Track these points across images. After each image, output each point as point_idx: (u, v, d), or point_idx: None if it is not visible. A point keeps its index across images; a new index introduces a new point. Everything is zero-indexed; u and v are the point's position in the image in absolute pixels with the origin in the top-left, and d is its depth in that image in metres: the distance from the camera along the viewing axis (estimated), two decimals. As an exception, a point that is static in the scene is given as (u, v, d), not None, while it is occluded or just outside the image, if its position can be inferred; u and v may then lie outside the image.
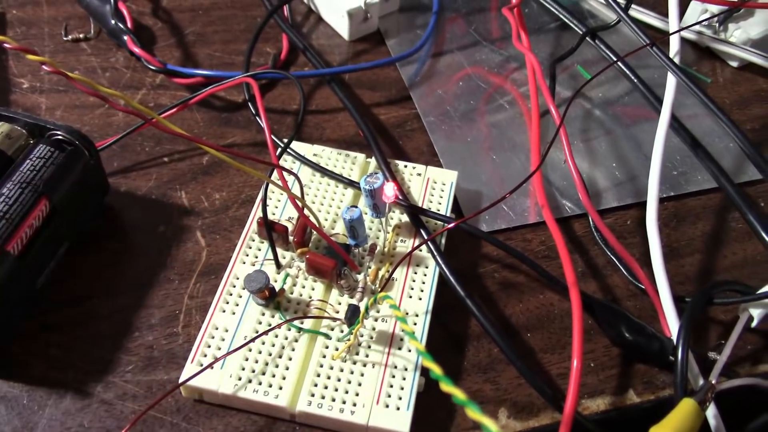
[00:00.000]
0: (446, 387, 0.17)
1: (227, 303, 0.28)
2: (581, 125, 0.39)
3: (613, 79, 0.41)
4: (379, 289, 0.29)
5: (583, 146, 0.38)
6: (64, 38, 0.41)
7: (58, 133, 0.30)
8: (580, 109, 0.40)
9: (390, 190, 0.28)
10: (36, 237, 0.28)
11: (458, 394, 0.17)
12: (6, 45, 0.24)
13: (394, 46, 0.43)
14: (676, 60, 0.36)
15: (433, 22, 0.42)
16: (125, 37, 0.38)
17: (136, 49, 0.38)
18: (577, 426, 0.26)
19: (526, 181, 0.29)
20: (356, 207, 0.28)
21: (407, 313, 0.28)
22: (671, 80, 0.34)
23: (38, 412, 0.26)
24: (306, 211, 0.28)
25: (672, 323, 0.29)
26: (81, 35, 0.41)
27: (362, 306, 0.28)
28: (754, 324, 0.30)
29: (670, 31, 0.36)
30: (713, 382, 0.27)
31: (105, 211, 0.33)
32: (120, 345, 0.28)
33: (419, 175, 0.33)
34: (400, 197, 0.31)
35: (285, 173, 0.29)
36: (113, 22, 0.39)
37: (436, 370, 0.18)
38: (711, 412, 0.27)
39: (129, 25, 0.39)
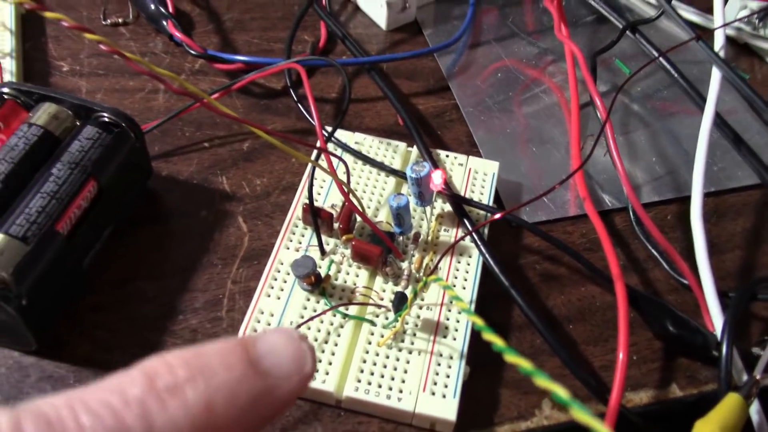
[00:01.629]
0: (511, 358, 0.17)
1: (272, 288, 0.28)
2: (619, 119, 0.39)
3: (652, 73, 0.41)
4: (425, 278, 0.29)
5: (623, 140, 0.38)
6: (103, 22, 0.41)
7: (105, 115, 0.30)
8: (618, 102, 0.39)
9: (438, 178, 0.28)
10: (84, 218, 0.28)
11: (524, 363, 0.17)
12: (63, 23, 0.24)
13: (431, 36, 0.42)
14: (722, 54, 0.35)
15: (471, 13, 0.42)
16: (165, 22, 0.38)
17: (177, 34, 0.38)
18: (621, 418, 0.26)
19: (574, 174, 0.29)
20: (403, 194, 0.28)
21: (452, 302, 0.28)
22: (716, 74, 0.34)
23: (85, 391, 0.26)
24: (351, 197, 0.28)
25: (716, 318, 0.29)
26: (120, 19, 0.41)
27: (409, 292, 0.28)
28: (798, 321, 0.30)
29: (715, 26, 0.36)
30: (758, 377, 0.27)
31: (147, 195, 0.33)
32: (164, 327, 0.28)
33: (461, 165, 0.33)
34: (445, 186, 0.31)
35: (332, 158, 0.29)
36: (153, 6, 0.39)
37: (498, 342, 0.18)
38: (754, 408, 0.27)
39: (170, 9, 0.39)
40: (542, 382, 0.17)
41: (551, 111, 0.39)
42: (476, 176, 0.33)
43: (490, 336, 0.20)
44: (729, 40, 0.44)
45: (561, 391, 0.17)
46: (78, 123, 0.30)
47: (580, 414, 0.15)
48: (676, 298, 0.31)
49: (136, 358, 0.27)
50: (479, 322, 0.21)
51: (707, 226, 0.34)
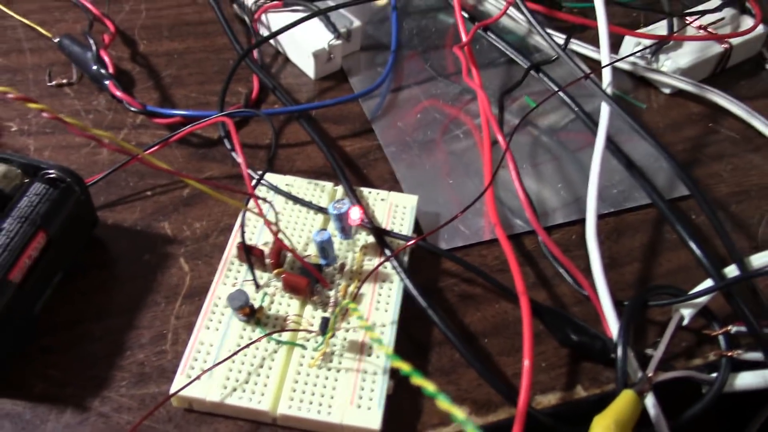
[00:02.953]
0: (417, 380, 0.20)
1: (211, 321, 0.31)
2: (530, 151, 0.43)
3: (558, 108, 0.45)
4: (341, 302, 0.32)
5: (532, 170, 0.41)
6: (48, 84, 0.43)
7: (51, 171, 0.32)
8: (529, 136, 0.43)
9: (356, 214, 0.31)
10: (34, 267, 0.30)
11: (428, 386, 0.20)
12: (9, 96, 0.26)
13: (356, 83, 0.46)
14: (609, 90, 0.40)
15: (392, 60, 0.46)
16: (107, 82, 0.41)
17: (118, 93, 0.41)
18: (531, 419, 0.29)
19: (478, 200, 0.32)
20: (325, 230, 0.32)
21: (375, 324, 0.31)
22: (605, 108, 0.38)
23: (41, 426, 0.29)
24: (280, 235, 0.31)
25: (612, 325, 0.32)
26: (64, 80, 0.44)
27: (331, 315, 0.31)
28: (685, 322, 0.33)
29: (602, 64, 0.40)
30: (650, 374, 0.31)
31: (94, 243, 0.35)
32: (113, 363, 0.31)
33: (383, 200, 0.37)
34: (366, 220, 0.34)
35: (260, 201, 0.32)
36: (95, 67, 0.42)
37: (404, 367, 0.21)
38: (650, 402, 0.30)
39: (111, 70, 0.42)
40: (443, 404, 0.20)
41: (468, 146, 0.42)
42: (396, 210, 0.36)
43: (398, 363, 0.23)
44: (628, 73, 0.48)
45: (459, 414, 0.20)
46: (26, 180, 0.32)
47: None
48: (580, 310, 0.35)
49: (87, 392, 0.30)
50: (388, 351, 0.24)
51: (608, 243, 0.38)
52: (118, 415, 0.29)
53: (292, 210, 0.36)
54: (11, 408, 0.29)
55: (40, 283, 0.31)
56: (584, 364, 0.33)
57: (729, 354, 0.32)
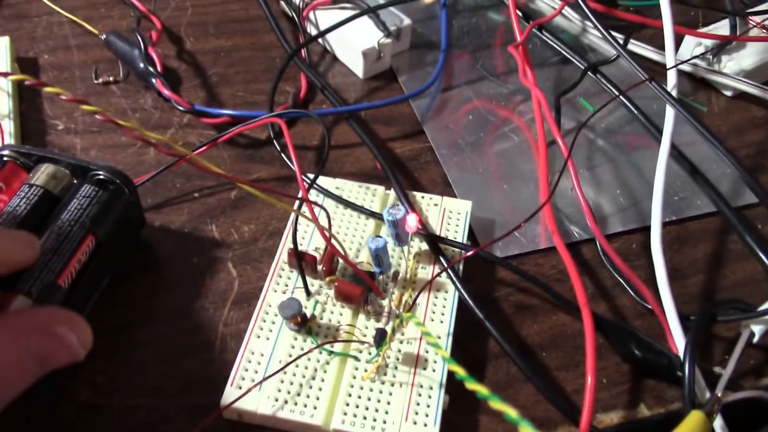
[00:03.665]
0: (496, 405, 0.19)
1: (261, 329, 0.30)
2: (585, 154, 0.41)
3: (614, 109, 0.43)
4: (401, 314, 0.30)
5: (588, 174, 0.40)
6: (95, 81, 0.43)
7: (100, 173, 0.32)
8: (584, 138, 0.42)
9: (413, 221, 0.30)
10: (83, 271, 0.29)
11: (510, 411, 0.19)
12: (62, 96, 0.26)
13: (405, 82, 0.45)
14: (674, 93, 0.38)
15: (442, 59, 0.45)
16: (155, 80, 0.41)
17: (166, 91, 0.40)
18: (593, 439, 0.28)
19: (538, 211, 0.31)
20: (381, 237, 0.30)
21: (428, 347, 0.30)
22: (670, 112, 0.37)
23: (88, 434, 0.28)
24: (333, 241, 0.30)
25: (678, 340, 0.31)
26: (111, 78, 0.43)
27: (389, 328, 0.30)
28: (755, 340, 0.32)
29: (667, 66, 0.39)
30: (719, 394, 0.29)
31: (140, 245, 0.35)
32: (160, 371, 0.30)
33: (436, 205, 0.35)
34: (421, 227, 0.33)
35: (313, 206, 0.31)
36: (143, 65, 0.41)
37: (482, 391, 0.20)
38: (718, 423, 0.28)
39: (159, 68, 0.41)
40: (526, 430, 0.19)
41: (521, 149, 0.41)
42: (450, 215, 0.35)
43: (473, 386, 0.22)
44: (687, 75, 0.46)
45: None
46: (75, 181, 0.32)
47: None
48: (643, 323, 0.33)
49: (134, 401, 0.29)
50: (461, 372, 0.23)
51: (670, 253, 0.36)
52: (165, 426, 0.28)
53: (342, 214, 0.35)
54: (58, 415, 0.28)
55: (89, 287, 0.30)
56: (647, 381, 0.31)
57: (802, 374, 0.31)
